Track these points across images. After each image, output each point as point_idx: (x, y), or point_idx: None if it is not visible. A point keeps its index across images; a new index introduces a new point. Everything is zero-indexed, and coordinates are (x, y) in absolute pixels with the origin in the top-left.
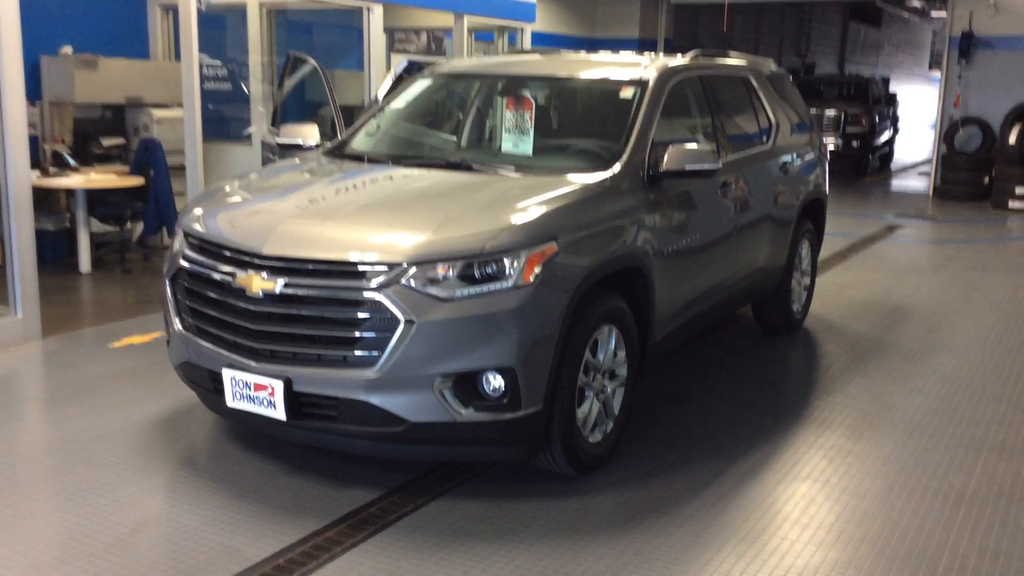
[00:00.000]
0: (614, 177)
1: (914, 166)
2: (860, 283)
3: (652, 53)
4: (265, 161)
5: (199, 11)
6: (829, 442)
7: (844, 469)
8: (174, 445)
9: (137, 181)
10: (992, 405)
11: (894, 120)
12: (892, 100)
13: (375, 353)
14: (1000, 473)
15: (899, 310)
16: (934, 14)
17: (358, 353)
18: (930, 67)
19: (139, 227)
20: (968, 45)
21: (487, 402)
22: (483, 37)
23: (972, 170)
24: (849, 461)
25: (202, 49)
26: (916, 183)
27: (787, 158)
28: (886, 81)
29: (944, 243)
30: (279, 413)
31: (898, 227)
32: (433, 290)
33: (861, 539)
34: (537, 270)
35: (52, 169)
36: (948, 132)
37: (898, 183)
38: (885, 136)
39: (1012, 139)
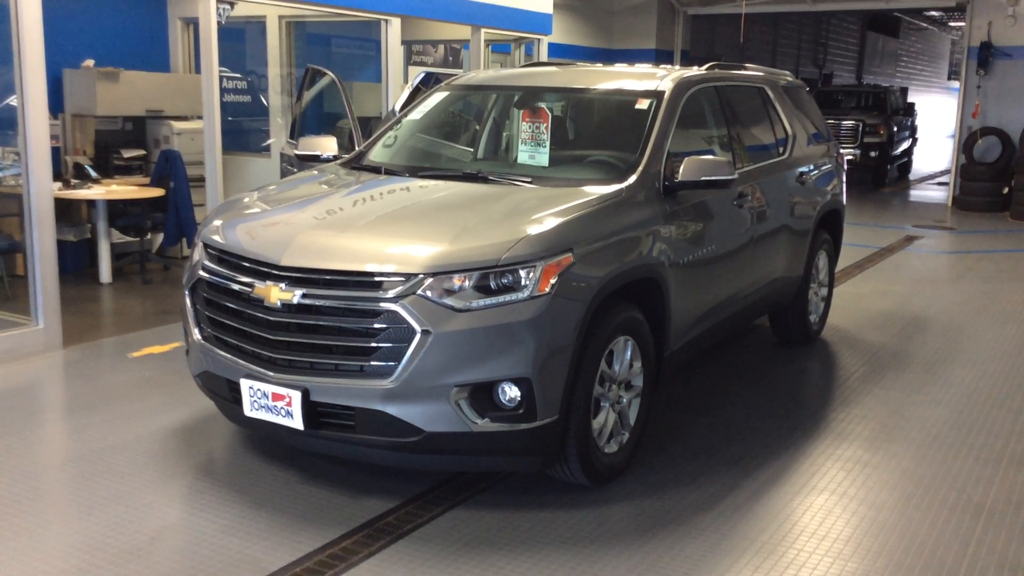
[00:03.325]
0: (630, 188)
1: (933, 176)
2: (878, 294)
3: (668, 64)
4: (284, 173)
5: (219, 24)
6: (846, 454)
7: (861, 481)
8: (193, 454)
9: (157, 192)
10: (1011, 417)
11: (912, 130)
12: (910, 110)
13: (392, 363)
14: (1019, 485)
15: (917, 321)
16: (952, 24)
17: (375, 363)
18: (949, 77)
19: (159, 238)
20: (987, 55)
21: (503, 412)
22: (500, 49)
23: (991, 180)
24: (867, 473)
25: (222, 62)
26: (935, 193)
27: (804, 169)
28: (904, 91)
29: (963, 254)
30: (297, 423)
31: (916, 238)
32: (449, 301)
33: (878, 551)
34: (553, 281)
35: (74, 180)
36: (967, 142)
37: (916, 193)
38: (903, 146)
39: None
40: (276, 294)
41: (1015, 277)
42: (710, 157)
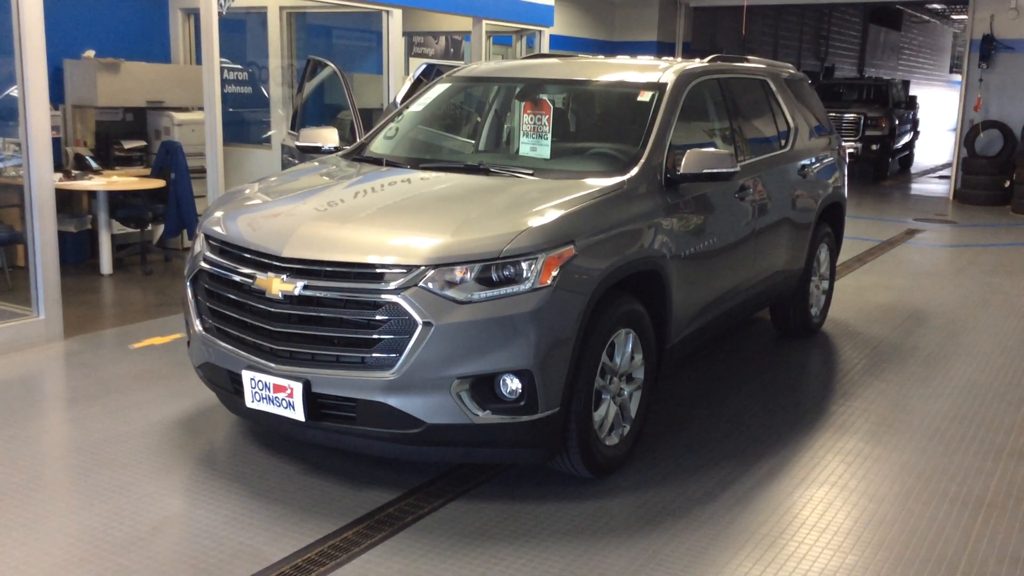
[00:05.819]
0: (632, 180)
1: (934, 170)
2: (879, 287)
3: (670, 57)
4: (285, 164)
5: (220, 15)
6: (847, 446)
7: (862, 474)
8: (194, 445)
9: (158, 183)
10: (1012, 410)
11: (914, 123)
12: (912, 103)
13: (393, 355)
14: (1019, 478)
15: (918, 314)
16: (955, 17)
17: (376, 355)
18: (950, 70)
19: (160, 229)
20: (989, 48)
21: (504, 404)
22: (501, 41)
23: (993, 174)
24: (867, 466)
25: (223, 53)
26: (936, 187)
27: (806, 161)
28: (906, 84)
29: (964, 247)
30: (298, 414)
31: (918, 231)
32: (451, 293)
33: (879, 544)
34: (555, 273)
35: (74, 171)
36: (968, 136)
37: (918, 187)
38: (905, 139)
39: None
40: (278, 285)
41: (1016, 271)
42: (712, 150)
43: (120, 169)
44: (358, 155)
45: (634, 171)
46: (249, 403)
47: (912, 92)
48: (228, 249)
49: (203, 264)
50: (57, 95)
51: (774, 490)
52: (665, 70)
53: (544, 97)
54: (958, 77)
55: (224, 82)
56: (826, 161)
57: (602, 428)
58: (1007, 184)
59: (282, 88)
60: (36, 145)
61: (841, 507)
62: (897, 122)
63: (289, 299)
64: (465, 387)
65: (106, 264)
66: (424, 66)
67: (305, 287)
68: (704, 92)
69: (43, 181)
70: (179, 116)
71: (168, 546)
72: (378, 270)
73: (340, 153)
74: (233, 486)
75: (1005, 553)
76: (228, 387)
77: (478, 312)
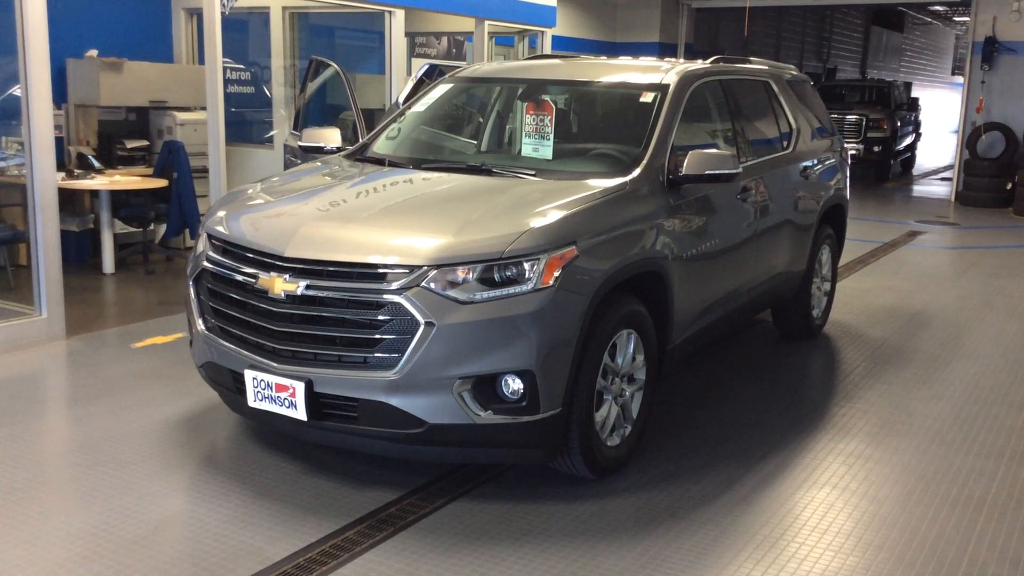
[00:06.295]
0: (634, 181)
1: (936, 172)
2: (881, 289)
3: (672, 58)
4: (287, 164)
5: (223, 14)
6: (848, 448)
7: (863, 475)
8: (196, 444)
9: (160, 183)
10: (1013, 412)
11: (916, 125)
12: (914, 105)
13: (395, 355)
14: (1021, 481)
15: (920, 316)
16: (957, 19)
17: (378, 355)
18: (953, 72)
19: (162, 228)
20: (991, 50)
21: (506, 405)
22: (503, 41)
23: (995, 176)
24: (868, 467)
25: (226, 53)
26: (938, 189)
27: (808, 163)
28: (908, 86)
29: (966, 249)
30: (300, 414)
31: (919, 233)
32: (453, 293)
33: (880, 546)
34: (557, 274)
35: (77, 171)
36: (970, 138)
37: (920, 188)
38: (907, 141)
39: None
40: (280, 285)
41: (1018, 273)
42: (714, 151)
43: (122, 168)
44: (360, 155)
45: (636, 172)
46: (251, 402)
47: (914, 94)
48: (231, 249)
49: (206, 263)
50: (60, 94)
51: (775, 491)
52: (667, 71)
53: (546, 98)
54: (960, 79)
55: (227, 82)
56: (828, 163)
57: (603, 429)
58: (1009, 186)
59: (284, 88)
60: (39, 144)
61: (842, 509)
62: (899, 124)
63: (291, 299)
64: (467, 387)
65: (108, 263)
66: (426, 66)
67: (307, 287)
68: (706, 93)
69: (46, 180)
70: (181, 116)
71: (170, 545)
72: (380, 270)
73: (342, 153)
74: (235, 485)
75: (1006, 555)
76: (230, 386)
77: (480, 312)
